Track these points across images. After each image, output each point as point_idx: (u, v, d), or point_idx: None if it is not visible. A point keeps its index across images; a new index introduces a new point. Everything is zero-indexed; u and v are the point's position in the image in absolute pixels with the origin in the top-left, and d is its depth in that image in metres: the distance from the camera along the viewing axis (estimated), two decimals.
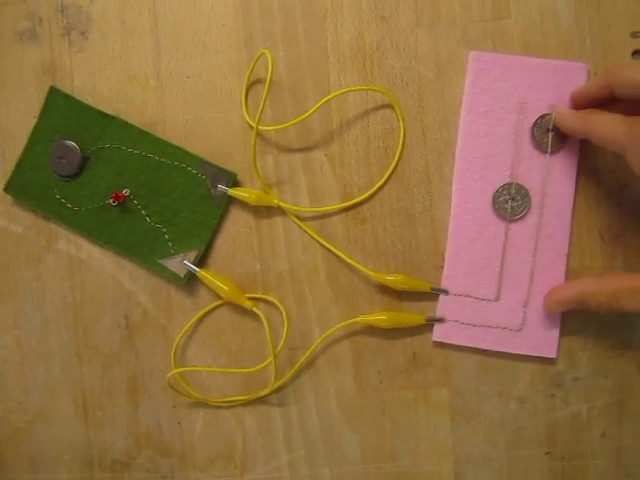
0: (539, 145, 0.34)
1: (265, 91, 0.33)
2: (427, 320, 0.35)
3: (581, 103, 0.33)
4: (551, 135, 0.34)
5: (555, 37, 0.35)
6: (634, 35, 0.35)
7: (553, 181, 0.35)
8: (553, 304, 0.33)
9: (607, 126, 0.30)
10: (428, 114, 0.36)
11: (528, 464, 0.36)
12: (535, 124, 0.34)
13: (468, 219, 0.35)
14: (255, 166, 0.35)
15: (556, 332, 0.35)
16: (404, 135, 0.36)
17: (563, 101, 0.34)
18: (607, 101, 0.32)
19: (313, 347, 0.36)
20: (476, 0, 0.35)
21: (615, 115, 0.30)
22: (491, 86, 0.35)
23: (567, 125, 0.33)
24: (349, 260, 0.36)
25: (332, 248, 0.36)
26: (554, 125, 0.34)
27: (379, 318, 0.35)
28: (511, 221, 0.35)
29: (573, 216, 0.35)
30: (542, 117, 0.34)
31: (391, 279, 0.35)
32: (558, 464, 0.35)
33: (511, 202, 0.35)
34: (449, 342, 0.35)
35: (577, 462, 0.35)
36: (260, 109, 0.33)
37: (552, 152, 0.34)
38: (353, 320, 0.35)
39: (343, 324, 0.35)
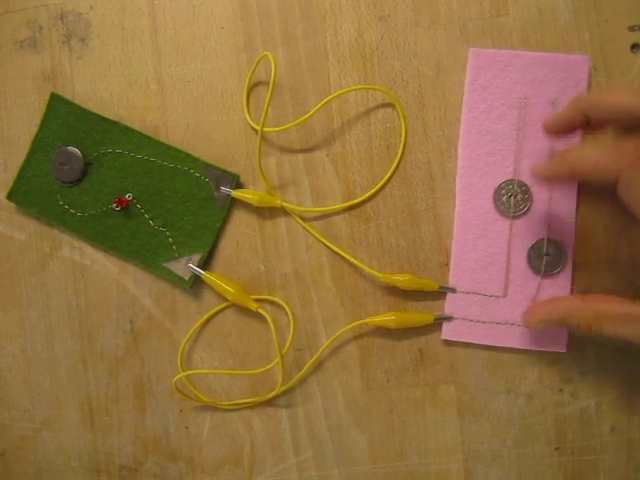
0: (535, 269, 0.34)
1: (269, 93, 0.33)
2: (436, 319, 0.35)
3: (553, 127, 0.32)
4: (545, 259, 0.34)
5: (553, 32, 0.35)
6: (632, 29, 0.35)
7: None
8: (534, 321, 0.33)
9: (594, 158, 0.28)
10: (429, 112, 0.36)
11: (538, 460, 0.35)
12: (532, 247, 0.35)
13: (472, 216, 0.35)
14: (260, 167, 0.35)
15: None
16: (405, 133, 0.36)
17: (564, 95, 0.34)
18: (578, 126, 0.31)
19: (322, 349, 0.36)
20: None
21: (597, 145, 0.29)
22: (492, 82, 0.35)
23: (549, 174, 0.31)
24: (354, 260, 0.36)
25: (336, 248, 0.36)
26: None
27: (388, 319, 0.35)
28: (515, 217, 0.35)
29: (577, 211, 0.35)
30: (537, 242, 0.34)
31: (399, 279, 0.35)
32: (568, 459, 0.35)
33: (513, 198, 0.35)
34: (458, 340, 0.35)
35: (587, 457, 0.35)
36: (264, 111, 0.33)
37: (545, 274, 0.34)
38: (362, 322, 0.35)
39: (351, 325, 0.35)
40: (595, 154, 0.28)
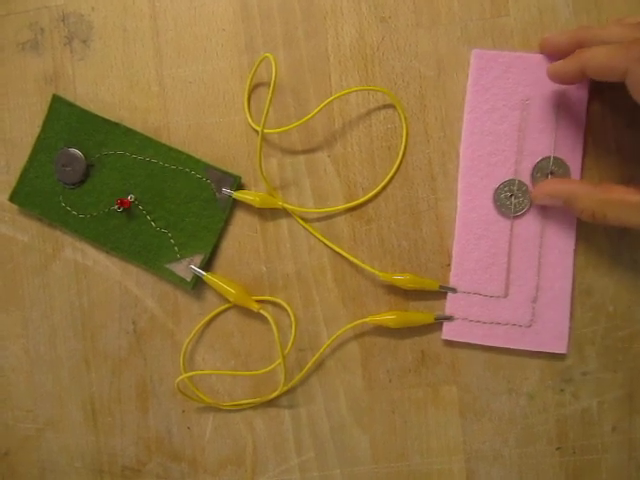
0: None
1: (270, 94, 0.33)
2: (436, 319, 0.35)
3: (556, 74, 0.33)
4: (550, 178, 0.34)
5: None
6: None
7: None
8: (541, 195, 0.33)
9: (604, 55, 0.29)
10: (430, 113, 0.36)
11: (539, 460, 0.36)
12: (535, 167, 0.35)
13: (474, 217, 0.35)
14: (261, 169, 0.35)
15: (566, 327, 0.35)
16: (407, 134, 0.36)
17: (566, 96, 0.34)
18: (583, 77, 0.31)
19: (323, 348, 0.36)
20: None
21: (609, 44, 0.30)
22: (493, 83, 0.35)
23: (562, 73, 0.32)
24: (355, 261, 0.36)
25: (338, 249, 0.36)
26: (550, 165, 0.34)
27: (388, 318, 0.35)
28: (515, 217, 0.35)
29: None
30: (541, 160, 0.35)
31: (399, 279, 0.35)
32: (569, 459, 0.35)
33: (514, 199, 0.35)
34: (459, 340, 0.35)
35: (588, 457, 0.35)
36: (265, 112, 0.33)
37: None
38: (362, 320, 0.35)
39: (352, 325, 0.36)
40: (604, 52, 0.29)
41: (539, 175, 0.34)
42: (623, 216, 0.30)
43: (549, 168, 0.34)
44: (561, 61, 0.32)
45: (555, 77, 0.33)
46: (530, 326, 0.35)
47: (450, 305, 0.35)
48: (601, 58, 0.30)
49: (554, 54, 0.33)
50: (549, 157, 0.34)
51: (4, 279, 0.39)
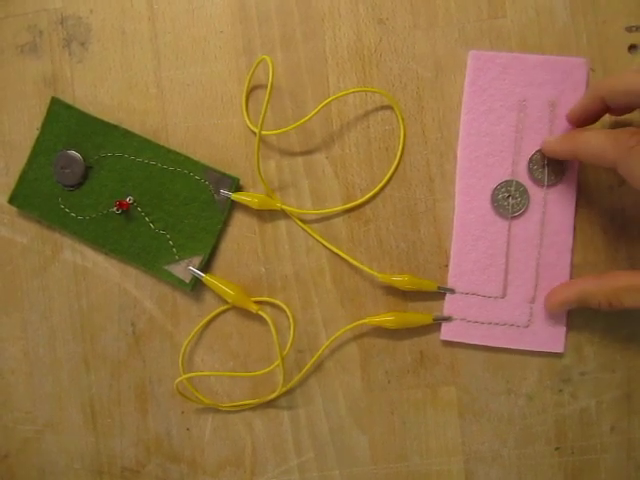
0: (536, 180, 0.35)
1: (267, 96, 0.33)
2: (434, 319, 0.35)
3: (578, 120, 0.33)
4: (547, 169, 0.34)
5: (551, 34, 0.35)
6: (630, 30, 0.35)
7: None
8: (554, 305, 0.34)
9: (595, 145, 0.30)
10: (428, 114, 0.36)
11: (538, 460, 0.36)
12: (530, 160, 0.35)
13: (471, 218, 0.35)
14: (259, 170, 0.35)
15: (563, 327, 0.35)
16: (404, 136, 0.36)
17: (563, 97, 0.35)
18: (602, 113, 0.32)
19: (322, 349, 0.36)
20: (472, 0, 0.36)
21: (600, 131, 0.30)
22: (491, 84, 0.35)
23: (556, 150, 0.33)
24: (354, 262, 0.36)
25: (336, 250, 0.36)
26: (546, 156, 0.34)
27: (387, 319, 0.35)
28: (513, 218, 0.35)
29: (576, 211, 0.35)
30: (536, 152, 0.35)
31: (398, 280, 0.35)
32: (568, 459, 0.35)
33: (511, 199, 0.35)
34: (457, 340, 0.35)
35: (587, 457, 0.35)
36: (262, 114, 0.33)
37: (549, 185, 0.35)
38: (361, 322, 0.35)
39: (351, 326, 0.36)
40: (596, 142, 0.30)
41: (535, 167, 0.34)
42: (639, 301, 0.30)
43: (545, 160, 0.34)
44: (557, 139, 0.33)
45: (548, 153, 0.34)
46: (528, 326, 0.35)
47: (448, 306, 0.35)
48: (592, 147, 0.30)
49: (583, 121, 0.33)
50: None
51: (3, 281, 0.39)
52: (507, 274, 0.35)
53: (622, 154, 0.29)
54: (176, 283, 0.37)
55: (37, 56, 0.38)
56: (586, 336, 0.35)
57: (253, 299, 0.37)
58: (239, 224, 0.37)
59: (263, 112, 0.33)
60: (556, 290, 0.34)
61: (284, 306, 0.36)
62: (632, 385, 0.35)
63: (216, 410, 0.37)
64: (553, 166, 0.34)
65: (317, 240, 0.37)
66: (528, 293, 0.35)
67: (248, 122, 0.37)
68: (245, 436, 0.37)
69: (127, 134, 0.37)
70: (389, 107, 0.36)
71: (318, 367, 0.37)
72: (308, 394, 0.37)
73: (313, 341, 0.37)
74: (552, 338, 0.35)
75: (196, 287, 0.37)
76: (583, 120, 0.33)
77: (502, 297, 0.35)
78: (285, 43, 0.37)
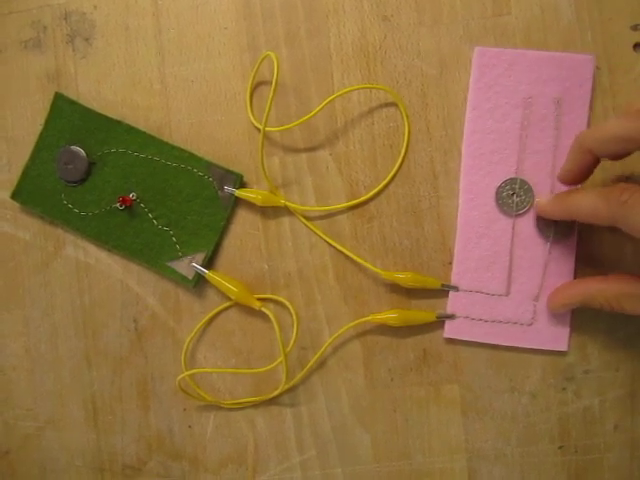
0: (542, 233, 0.35)
1: (271, 93, 0.33)
2: (438, 317, 0.35)
3: (571, 178, 0.32)
4: (554, 227, 0.34)
5: (556, 32, 0.35)
6: (635, 28, 0.35)
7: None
8: (557, 306, 0.34)
9: (588, 206, 0.30)
10: (432, 111, 0.36)
11: (541, 459, 0.35)
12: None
13: (475, 215, 0.35)
14: (263, 167, 0.35)
15: (567, 325, 0.35)
16: (409, 133, 0.36)
17: (569, 95, 0.34)
18: (592, 166, 0.31)
19: (324, 346, 0.36)
20: None
21: (591, 191, 0.30)
22: (496, 81, 0.35)
23: (551, 214, 0.33)
24: (357, 259, 0.36)
25: (340, 247, 0.36)
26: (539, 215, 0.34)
27: (390, 316, 0.35)
28: (517, 216, 0.35)
29: None
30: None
31: (401, 277, 0.35)
32: (571, 458, 0.35)
33: (515, 197, 0.35)
34: (460, 338, 0.35)
35: (590, 456, 0.35)
36: (267, 110, 0.33)
37: (553, 243, 0.35)
38: (364, 319, 0.35)
39: (354, 323, 0.36)
40: (587, 203, 0.30)
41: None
42: (639, 307, 0.30)
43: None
44: (549, 202, 0.33)
45: (542, 215, 0.34)
46: (531, 324, 0.35)
47: (452, 303, 0.35)
48: (585, 208, 0.30)
49: (578, 178, 0.32)
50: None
51: (5, 277, 0.39)
52: (511, 272, 0.35)
53: (616, 211, 0.28)
54: (179, 280, 0.37)
55: (41, 52, 0.38)
56: (590, 334, 0.35)
57: (256, 296, 0.36)
58: (242, 221, 0.37)
59: (267, 109, 0.33)
60: (559, 291, 0.34)
61: (287, 303, 0.36)
62: (636, 384, 0.35)
63: (218, 407, 0.37)
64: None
65: (320, 237, 0.37)
66: (532, 291, 0.35)
67: (252, 118, 0.37)
68: (247, 433, 0.37)
69: (131, 130, 0.37)
70: (393, 104, 0.36)
71: (321, 364, 0.37)
72: (311, 391, 0.37)
73: (316, 338, 0.37)
74: (556, 336, 0.35)
75: (199, 284, 0.37)
76: (575, 177, 0.32)
77: (506, 295, 0.35)
78: (289, 40, 0.37)
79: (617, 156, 0.30)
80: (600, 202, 0.29)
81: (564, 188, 0.34)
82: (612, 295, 0.31)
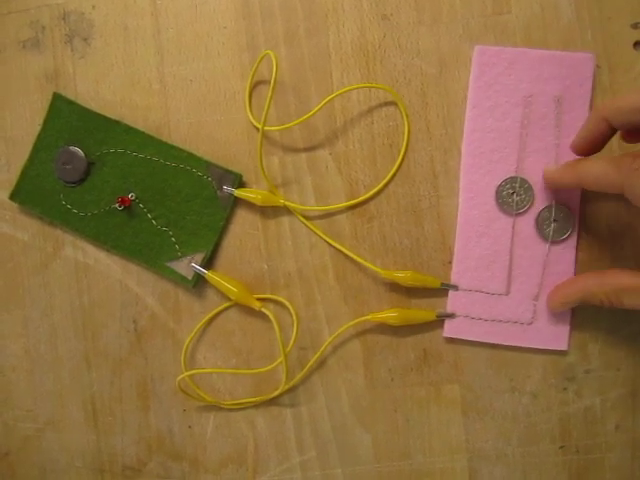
0: (542, 233, 0.34)
1: (270, 92, 0.33)
2: (437, 316, 0.35)
3: (584, 147, 0.32)
4: (553, 225, 0.34)
5: (556, 30, 0.35)
6: (635, 26, 0.35)
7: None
8: (557, 304, 0.34)
9: (598, 171, 0.30)
10: (432, 110, 0.36)
11: (542, 459, 0.35)
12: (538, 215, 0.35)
13: (475, 214, 0.35)
14: (262, 166, 0.35)
15: (567, 325, 0.35)
16: (408, 132, 0.36)
17: (569, 93, 0.34)
18: (606, 137, 0.31)
19: (324, 346, 0.36)
20: None
21: (602, 157, 0.30)
22: (496, 80, 0.35)
23: (557, 180, 0.33)
24: (357, 258, 0.36)
25: (340, 247, 0.36)
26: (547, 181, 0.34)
27: (390, 315, 0.35)
28: (517, 215, 0.35)
29: (580, 208, 0.35)
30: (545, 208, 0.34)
31: (400, 276, 0.35)
32: (573, 458, 0.35)
33: (515, 196, 0.35)
34: (460, 337, 0.35)
35: (592, 455, 0.35)
36: (265, 110, 0.33)
37: (553, 242, 0.34)
38: (364, 318, 0.35)
39: (354, 322, 0.35)
40: (598, 168, 0.30)
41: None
42: (638, 302, 0.30)
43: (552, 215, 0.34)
44: (557, 169, 0.33)
45: (550, 184, 0.33)
46: (531, 323, 0.35)
47: (452, 303, 0.35)
48: (595, 173, 0.30)
49: (590, 147, 0.32)
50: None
51: (4, 278, 0.38)
52: (511, 271, 0.35)
53: (627, 177, 0.28)
54: (178, 280, 0.37)
55: (39, 52, 0.38)
56: (590, 333, 0.35)
57: (256, 296, 0.36)
58: (242, 221, 0.37)
59: (266, 108, 0.33)
60: (558, 289, 0.34)
61: (287, 303, 0.36)
62: (637, 383, 0.35)
63: (218, 408, 0.37)
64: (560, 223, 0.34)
65: (320, 237, 0.36)
66: (532, 290, 0.35)
67: (251, 118, 0.37)
68: (247, 434, 0.37)
69: (129, 130, 0.37)
70: (393, 103, 0.36)
71: (321, 364, 0.37)
72: (311, 392, 0.37)
73: (316, 338, 0.36)
74: (556, 336, 0.35)
75: (198, 284, 0.37)
76: (588, 146, 0.32)
77: (506, 294, 0.35)
78: (288, 39, 0.37)
79: (630, 134, 0.30)
80: (611, 168, 0.29)
81: (564, 188, 0.34)
82: (611, 290, 0.31)
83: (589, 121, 0.31)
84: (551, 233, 0.34)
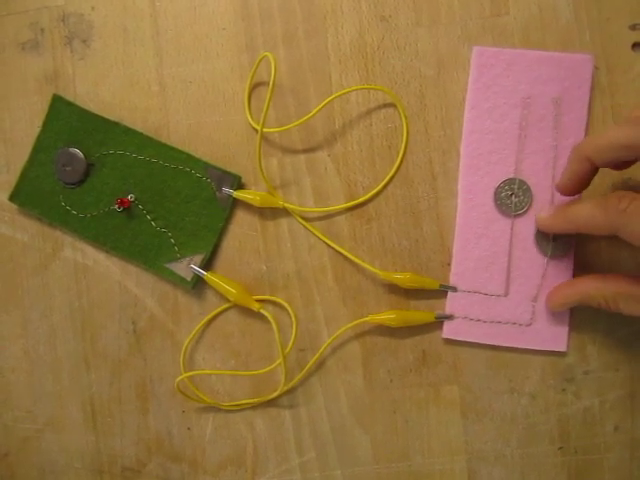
0: (541, 249, 0.35)
1: (269, 93, 0.33)
2: (436, 317, 0.35)
3: (570, 188, 0.32)
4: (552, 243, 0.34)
5: (554, 32, 0.35)
6: (633, 27, 0.35)
7: (559, 176, 0.34)
8: (556, 305, 0.34)
9: (586, 215, 0.29)
10: (430, 112, 0.36)
11: (541, 460, 0.35)
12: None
13: (474, 215, 0.35)
14: (261, 168, 0.35)
15: (566, 326, 0.35)
16: (407, 133, 0.36)
17: (567, 95, 0.34)
18: (591, 175, 0.31)
19: (323, 348, 0.36)
20: None
21: (589, 201, 0.30)
22: (495, 81, 0.35)
23: (551, 228, 0.33)
24: (356, 260, 0.36)
25: (338, 248, 0.36)
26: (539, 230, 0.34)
27: (388, 317, 0.35)
28: (516, 216, 0.35)
29: None
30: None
31: (399, 277, 0.35)
32: (571, 459, 0.35)
33: (514, 197, 0.35)
34: (459, 339, 0.35)
35: (590, 456, 0.35)
36: (264, 111, 0.33)
37: (552, 257, 0.34)
38: (363, 320, 0.35)
39: (353, 324, 0.35)
40: (586, 213, 0.30)
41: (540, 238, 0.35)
42: (634, 308, 0.30)
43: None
44: (549, 216, 0.33)
45: (543, 229, 0.34)
46: (530, 325, 0.35)
47: (450, 304, 0.35)
48: (584, 218, 0.30)
49: (577, 187, 0.32)
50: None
51: (3, 279, 0.38)
52: (510, 272, 0.35)
53: (616, 219, 0.28)
54: (177, 281, 0.37)
55: (39, 53, 0.38)
56: (589, 335, 0.35)
57: (255, 297, 0.36)
58: (241, 222, 0.37)
59: (265, 109, 0.33)
60: (557, 289, 0.34)
61: (286, 304, 0.36)
62: (636, 384, 0.35)
63: (217, 409, 0.37)
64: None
65: (319, 238, 0.36)
66: (531, 291, 0.35)
67: (250, 119, 0.37)
68: (246, 435, 0.37)
69: (128, 131, 0.37)
70: (392, 105, 0.36)
71: (320, 366, 0.37)
72: (310, 393, 0.37)
73: (315, 339, 0.36)
74: (555, 337, 0.35)
75: (197, 285, 0.37)
76: (575, 186, 0.32)
77: (504, 295, 0.35)
78: (287, 40, 0.37)
79: (617, 165, 0.29)
80: (598, 211, 0.29)
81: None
82: (609, 295, 0.31)
83: (572, 162, 0.31)
84: (550, 252, 0.34)
